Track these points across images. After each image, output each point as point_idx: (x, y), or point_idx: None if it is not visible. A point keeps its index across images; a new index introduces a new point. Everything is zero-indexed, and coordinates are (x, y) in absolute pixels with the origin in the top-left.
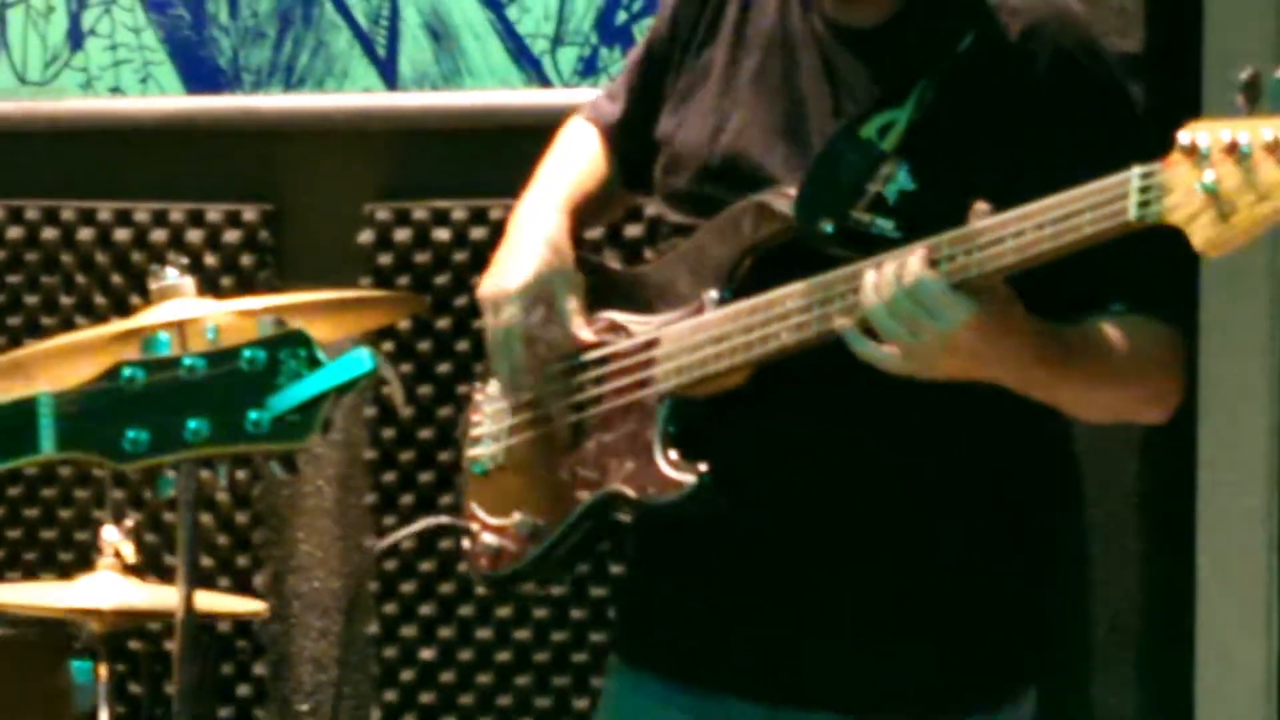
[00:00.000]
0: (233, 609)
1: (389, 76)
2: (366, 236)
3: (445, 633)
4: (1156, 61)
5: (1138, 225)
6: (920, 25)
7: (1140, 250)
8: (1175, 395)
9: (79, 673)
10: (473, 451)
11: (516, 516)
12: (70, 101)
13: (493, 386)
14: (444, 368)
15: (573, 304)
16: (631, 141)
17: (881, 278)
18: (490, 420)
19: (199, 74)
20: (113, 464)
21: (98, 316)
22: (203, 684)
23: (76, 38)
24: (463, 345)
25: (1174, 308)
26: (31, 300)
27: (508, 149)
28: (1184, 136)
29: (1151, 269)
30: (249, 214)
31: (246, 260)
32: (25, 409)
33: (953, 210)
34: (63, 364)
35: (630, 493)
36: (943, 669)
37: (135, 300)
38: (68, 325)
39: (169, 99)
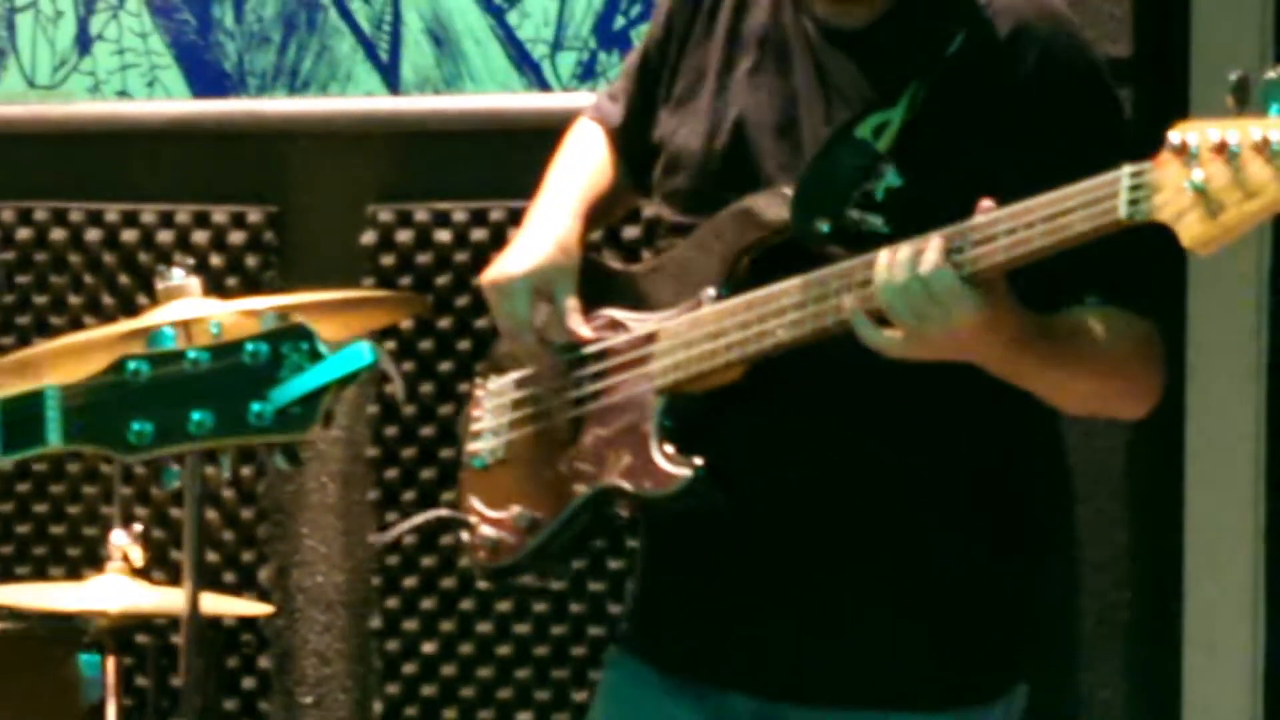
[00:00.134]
0: (238, 611)
1: (391, 81)
2: (369, 237)
3: (446, 626)
4: (1145, 65)
5: (1128, 223)
6: (910, 26)
7: (1114, 243)
8: (1154, 390)
9: (87, 666)
10: (473, 446)
11: (515, 510)
12: (78, 105)
13: (493, 383)
14: (445, 366)
15: (572, 301)
16: (634, 143)
17: (896, 260)
18: (490, 415)
19: (205, 78)
20: (118, 455)
21: (105, 316)
22: (208, 677)
23: (84, 42)
24: (464, 344)
25: (1148, 301)
26: (40, 300)
27: (508, 152)
28: (1174, 136)
29: (1126, 262)
30: (254, 215)
31: (251, 261)
32: (32, 402)
33: (941, 207)
34: (71, 363)
35: (627, 487)
36: (939, 663)
37: (142, 300)
38: (76, 325)
39: (175, 102)
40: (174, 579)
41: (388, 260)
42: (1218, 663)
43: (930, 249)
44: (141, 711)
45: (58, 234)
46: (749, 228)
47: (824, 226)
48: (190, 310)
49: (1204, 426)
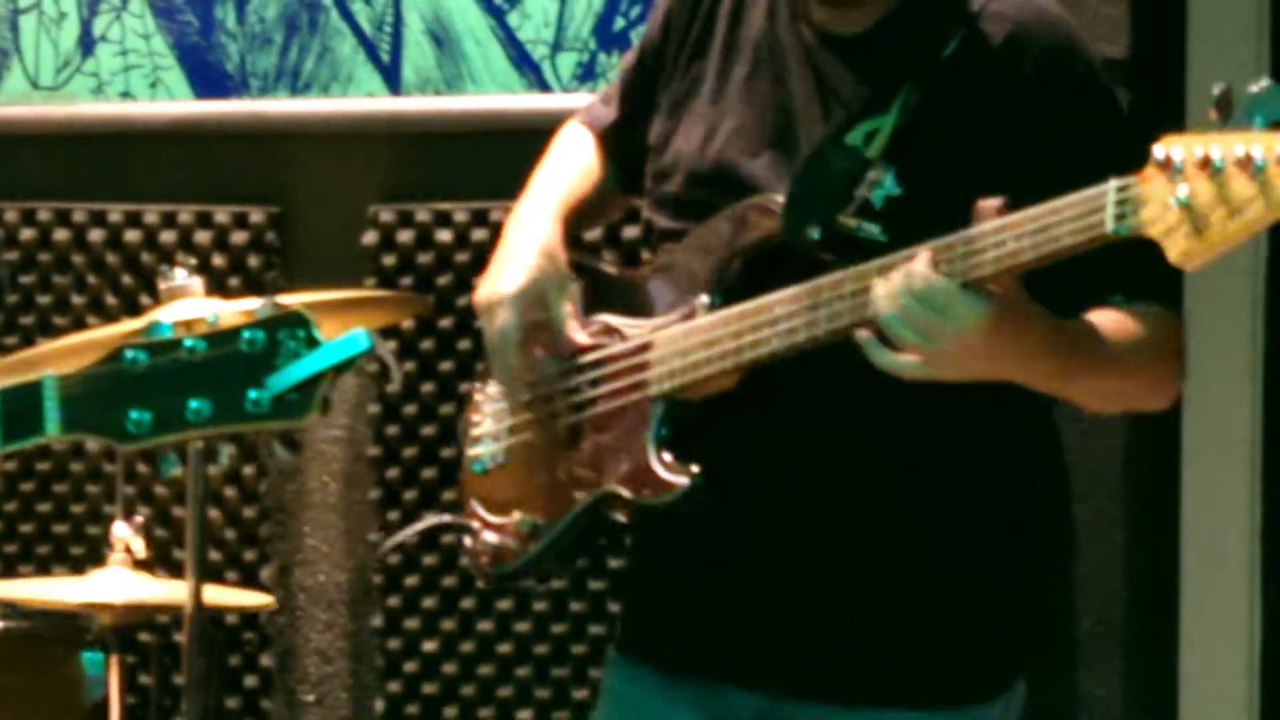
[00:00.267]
0: (240, 602)
1: (393, 81)
2: (370, 238)
3: (447, 625)
4: (1141, 68)
5: (1114, 237)
6: (905, 31)
7: (1134, 243)
8: (1177, 381)
9: (90, 664)
10: (473, 450)
11: (516, 515)
12: (81, 106)
13: (493, 387)
14: (446, 366)
15: (566, 308)
16: (625, 145)
17: (890, 286)
18: (490, 420)
19: (207, 79)
20: (116, 444)
21: (108, 316)
22: (210, 675)
23: (88, 44)
24: (464, 344)
25: (1169, 294)
26: (44, 300)
27: (508, 152)
28: (1158, 151)
29: (1146, 259)
30: (256, 216)
31: (253, 261)
32: (30, 391)
33: (940, 214)
34: (73, 362)
35: (625, 493)
36: (939, 662)
37: (145, 300)
38: (79, 324)
39: (178, 103)
40: (177, 577)
41: (389, 260)
42: (1214, 661)
43: (919, 262)
44: (144, 710)
45: (61, 234)
46: (741, 234)
47: (815, 233)
48: (193, 310)
49: (1201, 427)
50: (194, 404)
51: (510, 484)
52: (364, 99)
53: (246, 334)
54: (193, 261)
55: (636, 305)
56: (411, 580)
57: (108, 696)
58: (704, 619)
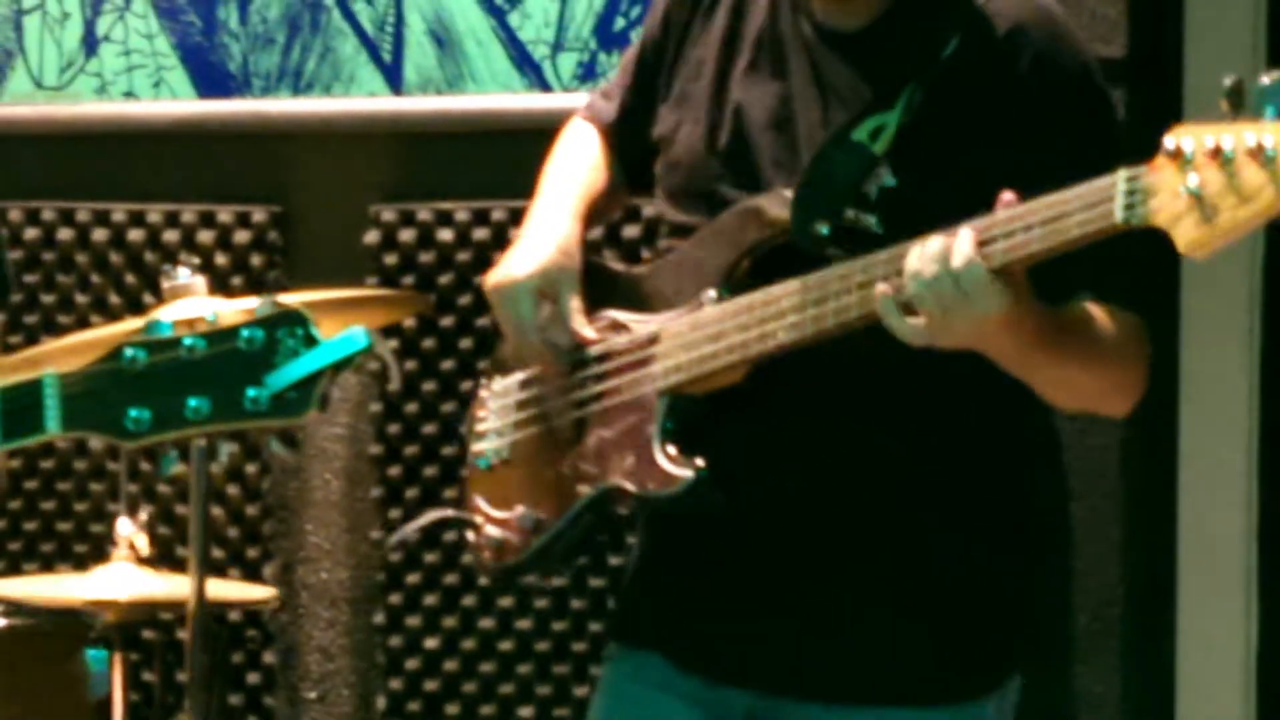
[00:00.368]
0: (243, 597)
1: (394, 81)
2: (372, 237)
3: (449, 622)
4: (1139, 66)
5: (1124, 227)
6: (906, 28)
7: (1104, 241)
8: (1139, 385)
9: (94, 661)
10: (477, 446)
11: (519, 510)
12: (85, 106)
13: (498, 383)
14: (447, 365)
15: (576, 303)
16: (629, 141)
17: (926, 253)
18: (495, 416)
19: (210, 79)
20: (117, 442)
21: (112, 315)
22: (213, 672)
23: (91, 44)
24: (466, 343)
25: (1137, 296)
26: (48, 299)
27: (509, 152)
28: (1169, 141)
29: (1115, 259)
30: (258, 215)
31: (256, 260)
32: (31, 390)
33: (937, 209)
34: (75, 360)
35: (629, 487)
36: (939, 661)
37: (148, 299)
38: (83, 323)
39: (181, 103)
40: (180, 574)
41: (390, 259)
42: (1210, 658)
43: (963, 241)
44: (148, 706)
45: (65, 234)
46: (749, 230)
47: (823, 229)
48: (195, 309)
49: (1197, 425)
50: (193, 402)
51: (514, 479)
52: (366, 99)
53: (245, 332)
54: (196, 261)
55: (644, 301)
56: (413, 578)
57: (111, 693)
58: (704, 617)
